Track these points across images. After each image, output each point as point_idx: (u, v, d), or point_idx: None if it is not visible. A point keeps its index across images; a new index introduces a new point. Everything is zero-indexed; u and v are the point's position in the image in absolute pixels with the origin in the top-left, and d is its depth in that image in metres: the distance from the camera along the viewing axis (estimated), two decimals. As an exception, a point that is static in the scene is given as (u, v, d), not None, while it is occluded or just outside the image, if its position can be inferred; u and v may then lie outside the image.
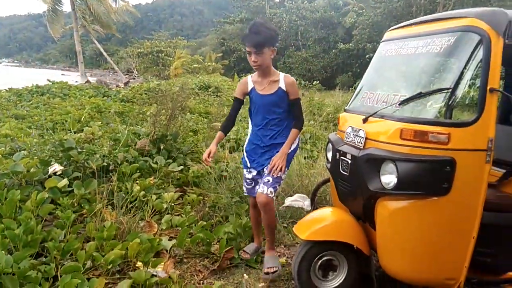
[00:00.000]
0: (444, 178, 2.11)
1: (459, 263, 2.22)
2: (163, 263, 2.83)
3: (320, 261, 2.65)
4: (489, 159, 2.11)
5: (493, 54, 2.06)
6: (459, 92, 2.16)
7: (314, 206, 3.92)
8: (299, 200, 4.32)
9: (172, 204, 3.73)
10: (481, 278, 2.43)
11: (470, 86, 2.17)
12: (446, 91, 2.18)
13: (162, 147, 4.62)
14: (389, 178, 2.25)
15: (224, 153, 4.92)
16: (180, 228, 3.28)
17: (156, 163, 4.28)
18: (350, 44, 27.98)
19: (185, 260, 3.07)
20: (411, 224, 2.24)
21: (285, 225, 3.78)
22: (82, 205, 3.36)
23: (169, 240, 3.09)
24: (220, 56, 32.98)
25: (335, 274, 2.69)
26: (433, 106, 2.24)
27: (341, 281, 2.68)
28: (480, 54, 2.10)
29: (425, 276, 2.30)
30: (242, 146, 5.85)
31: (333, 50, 28.85)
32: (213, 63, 29.27)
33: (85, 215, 3.30)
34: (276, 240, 3.56)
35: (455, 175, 2.10)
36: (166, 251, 3.00)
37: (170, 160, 4.52)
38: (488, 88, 2.06)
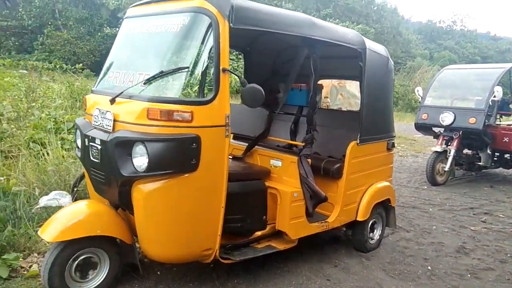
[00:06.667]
0: (191, 155, 2.19)
1: (213, 234, 2.38)
2: None
3: (76, 262, 2.36)
4: (227, 134, 2.31)
5: (221, 36, 2.22)
6: (198, 72, 2.26)
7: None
8: (57, 198, 3.79)
9: None
10: (234, 242, 2.69)
11: (207, 66, 2.29)
12: (186, 70, 2.24)
13: None
14: (140, 161, 2.18)
15: None
16: None
17: None
18: (117, 29, 26.54)
19: None
20: (166, 204, 2.25)
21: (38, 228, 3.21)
22: None
23: None
24: None
25: (95, 271, 2.46)
26: (175, 85, 2.27)
27: (103, 277, 2.48)
28: (212, 36, 2.23)
29: (183, 253, 2.37)
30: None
31: (99, 33, 26.89)
32: None
33: None
34: (25, 248, 3.00)
35: (201, 151, 2.21)
36: None
37: None
38: (220, 68, 2.23)
